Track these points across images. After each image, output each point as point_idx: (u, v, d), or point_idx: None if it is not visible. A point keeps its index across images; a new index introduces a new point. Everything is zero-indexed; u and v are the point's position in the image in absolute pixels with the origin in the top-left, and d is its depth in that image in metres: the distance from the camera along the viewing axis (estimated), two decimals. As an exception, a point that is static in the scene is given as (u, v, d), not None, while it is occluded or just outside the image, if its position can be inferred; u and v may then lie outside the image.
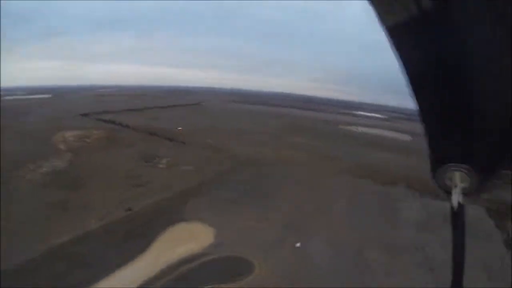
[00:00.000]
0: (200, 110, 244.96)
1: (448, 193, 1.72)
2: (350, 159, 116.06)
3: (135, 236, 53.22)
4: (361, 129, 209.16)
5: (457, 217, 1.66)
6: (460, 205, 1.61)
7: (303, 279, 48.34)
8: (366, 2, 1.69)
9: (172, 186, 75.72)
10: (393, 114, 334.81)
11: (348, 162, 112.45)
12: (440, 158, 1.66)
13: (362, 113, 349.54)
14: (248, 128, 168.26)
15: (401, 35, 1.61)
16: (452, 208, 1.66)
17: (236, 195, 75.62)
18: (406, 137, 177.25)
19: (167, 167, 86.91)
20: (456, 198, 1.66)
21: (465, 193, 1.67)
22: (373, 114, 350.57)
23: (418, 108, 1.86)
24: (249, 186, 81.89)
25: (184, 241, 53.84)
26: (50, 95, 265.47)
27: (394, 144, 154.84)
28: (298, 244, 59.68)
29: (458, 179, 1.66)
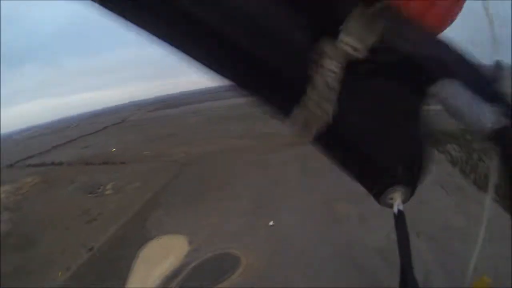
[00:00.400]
0: (128, 126, 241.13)
1: (390, 206, 1.82)
2: (288, 133, 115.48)
3: (109, 275, 50.13)
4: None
5: (399, 221, 1.76)
6: (400, 212, 1.76)
7: (288, 254, 49.81)
8: None
9: (126, 208, 72.50)
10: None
11: (288, 136, 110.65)
12: (376, 192, 1.74)
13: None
14: (177, 131, 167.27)
15: None
16: (394, 215, 1.79)
17: (192, 196, 74.64)
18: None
19: (115, 192, 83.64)
20: (397, 208, 1.78)
21: (403, 201, 1.82)
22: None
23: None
24: (202, 184, 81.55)
25: (162, 258, 51.76)
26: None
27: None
28: (271, 223, 61.31)
29: (397, 195, 1.77)
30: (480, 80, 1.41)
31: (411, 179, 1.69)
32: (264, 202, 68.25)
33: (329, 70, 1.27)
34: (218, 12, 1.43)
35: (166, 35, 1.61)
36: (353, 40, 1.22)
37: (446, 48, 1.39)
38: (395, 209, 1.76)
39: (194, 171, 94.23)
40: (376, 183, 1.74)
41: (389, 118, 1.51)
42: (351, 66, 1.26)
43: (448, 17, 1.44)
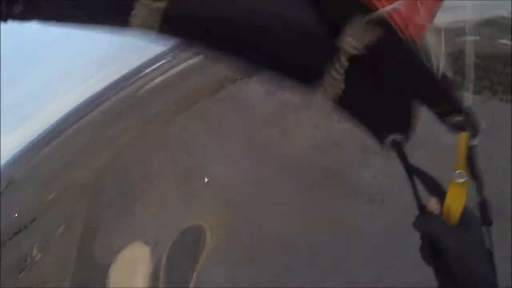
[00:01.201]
0: (19, 185, 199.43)
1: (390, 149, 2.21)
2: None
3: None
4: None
5: (398, 152, 2.16)
6: (396, 143, 2.12)
7: (235, 198, 52.23)
8: None
9: (66, 257, 66.80)
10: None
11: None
12: (380, 139, 2.10)
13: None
14: (66, 159, 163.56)
15: None
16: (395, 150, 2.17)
17: (118, 204, 72.19)
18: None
19: (44, 253, 72.83)
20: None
21: (402, 145, 2.20)
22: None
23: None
24: (120, 190, 78.50)
25: (131, 272, 49.66)
26: None
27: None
28: (206, 180, 61.63)
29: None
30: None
31: (405, 129, 2.13)
32: (194, 169, 68.44)
33: (339, 59, 1.62)
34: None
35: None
36: (352, 40, 1.54)
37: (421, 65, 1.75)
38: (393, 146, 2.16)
39: (108, 184, 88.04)
40: (379, 133, 2.09)
41: (383, 92, 1.91)
42: (353, 57, 1.59)
43: (423, 31, 1.75)
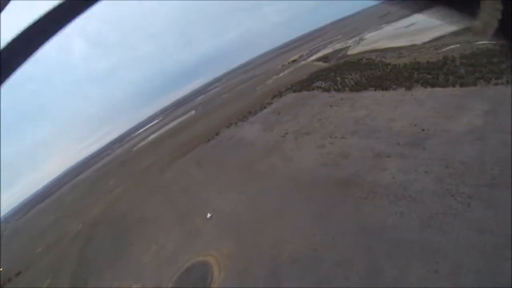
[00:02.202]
0: (5, 241, 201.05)
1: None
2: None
3: None
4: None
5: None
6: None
7: (243, 229, 46.02)
8: None
9: None
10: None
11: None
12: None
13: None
14: (58, 214, 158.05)
15: None
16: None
17: (114, 247, 67.20)
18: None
19: None
20: None
21: None
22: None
23: None
24: (116, 234, 74.37)
25: None
26: None
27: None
28: (208, 215, 56.37)
29: None
30: None
31: None
32: (186, 209, 64.66)
33: None
34: None
35: None
36: None
37: None
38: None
39: (101, 231, 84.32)
40: None
41: None
42: None
43: None
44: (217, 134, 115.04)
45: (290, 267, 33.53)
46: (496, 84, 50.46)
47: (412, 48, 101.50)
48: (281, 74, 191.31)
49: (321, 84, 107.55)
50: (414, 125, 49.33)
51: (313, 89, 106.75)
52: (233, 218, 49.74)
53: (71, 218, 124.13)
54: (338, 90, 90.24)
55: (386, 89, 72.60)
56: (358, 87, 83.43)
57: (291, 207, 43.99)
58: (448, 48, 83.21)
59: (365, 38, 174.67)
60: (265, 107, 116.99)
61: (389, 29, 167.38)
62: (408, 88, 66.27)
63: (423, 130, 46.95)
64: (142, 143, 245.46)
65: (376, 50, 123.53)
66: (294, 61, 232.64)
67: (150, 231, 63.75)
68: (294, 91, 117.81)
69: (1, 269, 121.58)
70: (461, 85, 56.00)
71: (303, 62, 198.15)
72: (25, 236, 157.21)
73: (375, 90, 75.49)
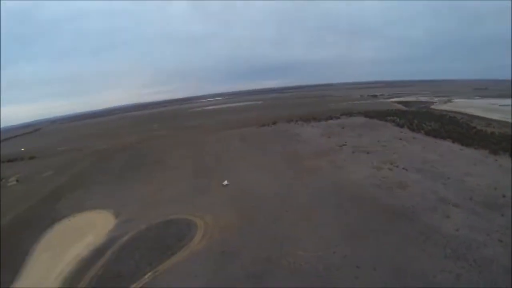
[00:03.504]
0: (42, 133, 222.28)
1: None
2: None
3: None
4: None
5: None
6: None
7: (253, 206, 37.47)
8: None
9: (32, 195, 55.07)
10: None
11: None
12: None
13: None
14: (98, 131, 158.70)
15: None
16: None
17: (122, 174, 61.96)
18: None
19: (19, 183, 65.60)
20: None
21: None
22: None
23: None
24: (132, 164, 69.53)
25: (74, 239, 35.52)
26: None
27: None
28: (225, 182, 48.60)
29: None
30: None
31: None
32: (210, 169, 58.37)
33: None
34: None
35: None
36: None
37: None
38: None
39: (121, 156, 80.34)
40: None
41: None
42: None
43: None
44: (274, 123, 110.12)
45: (282, 278, 24.25)
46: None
47: (503, 123, 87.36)
48: (356, 102, 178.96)
49: (395, 119, 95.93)
50: (494, 188, 40.01)
51: (385, 120, 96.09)
52: (251, 195, 41.57)
53: (103, 138, 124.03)
54: (412, 130, 79.04)
55: (466, 145, 62.30)
56: (434, 133, 72.86)
57: (322, 211, 34.87)
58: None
59: (453, 101, 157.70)
60: (331, 119, 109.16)
61: (482, 101, 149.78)
62: (494, 152, 56.17)
63: (504, 196, 37.71)
64: (199, 109, 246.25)
65: (462, 113, 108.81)
66: (373, 96, 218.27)
67: (162, 174, 57.75)
68: (366, 116, 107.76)
69: (23, 149, 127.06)
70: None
71: (382, 100, 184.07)
72: (58, 136, 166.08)
73: (453, 142, 65.25)
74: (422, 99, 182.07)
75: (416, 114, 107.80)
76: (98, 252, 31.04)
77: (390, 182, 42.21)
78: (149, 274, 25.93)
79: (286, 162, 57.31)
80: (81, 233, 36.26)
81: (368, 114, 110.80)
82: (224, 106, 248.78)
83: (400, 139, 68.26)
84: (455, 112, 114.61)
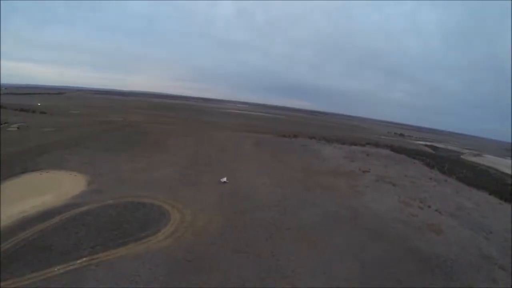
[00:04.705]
0: (64, 97, 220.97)
1: None
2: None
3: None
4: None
5: None
6: None
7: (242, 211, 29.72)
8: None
9: (24, 142, 51.26)
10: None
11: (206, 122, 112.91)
12: None
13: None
14: (113, 105, 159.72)
15: None
16: None
17: (119, 147, 55.02)
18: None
19: (19, 130, 62.51)
20: None
21: None
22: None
23: None
24: (135, 139, 63.58)
25: (31, 194, 29.52)
26: None
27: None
28: (224, 179, 40.57)
29: None
30: None
31: None
32: (210, 162, 50.62)
33: None
34: None
35: None
36: None
37: None
38: None
39: (123, 130, 74.58)
40: None
41: None
42: None
43: None
44: (294, 136, 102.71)
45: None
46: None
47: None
48: (383, 137, 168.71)
49: (424, 159, 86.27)
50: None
51: (414, 158, 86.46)
52: (249, 200, 33.71)
53: (117, 113, 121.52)
54: (443, 173, 69.58)
55: (506, 199, 53.04)
56: (467, 181, 63.54)
57: (331, 239, 26.33)
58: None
59: (483, 156, 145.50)
60: (355, 144, 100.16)
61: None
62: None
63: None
64: (221, 110, 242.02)
65: (493, 168, 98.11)
66: (401, 135, 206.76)
67: (155, 155, 50.90)
68: (392, 150, 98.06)
69: (39, 103, 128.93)
70: None
71: (409, 140, 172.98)
72: (76, 101, 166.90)
73: (489, 194, 55.95)
74: (451, 147, 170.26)
75: (446, 159, 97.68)
76: (44, 215, 24.14)
77: (420, 221, 33.72)
78: (84, 259, 18.51)
79: (299, 173, 49.55)
80: (42, 190, 30.22)
81: (395, 149, 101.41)
82: (246, 112, 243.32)
83: (430, 178, 59.36)
84: (487, 166, 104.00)
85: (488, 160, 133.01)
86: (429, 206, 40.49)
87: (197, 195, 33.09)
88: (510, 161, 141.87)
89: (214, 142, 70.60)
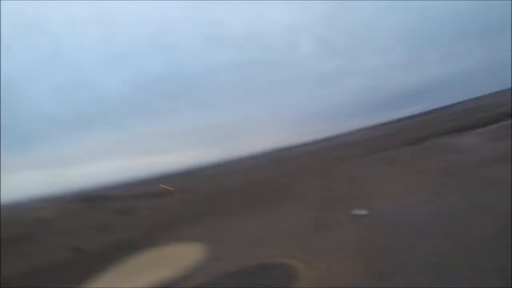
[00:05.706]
0: (186, 176, 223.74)
1: None
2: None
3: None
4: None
5: None
6: None
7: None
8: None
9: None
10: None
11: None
12: None
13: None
14: (236, 170, 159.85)
15: None
16: None
17: (230, 208, 55.48)
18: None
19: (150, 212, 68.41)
20: None
21: None
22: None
23: None
24: (246, 198, 62.75)
25: (150, 268, 30.17)
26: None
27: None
28: (363, 212, 32.79)
29: None
30: None
31: None
32: (333, 197, 44.77)
33: None
34: None
35: None
36: None
37: None
38: None
39: (244, 189, 75.94)
40: None
41: None
42: None
43: None
44: (422, 140, 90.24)
45: None
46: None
47: None
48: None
49: None
50: None
51: None
52: (395, 230, 25.28)
53: (239, 175, 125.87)
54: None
55: None
56: None
57: None
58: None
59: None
60: (492, 123, 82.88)
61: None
62: None
63: None
64: (339, 142, 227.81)
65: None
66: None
67: (278, 205, 47.33)
68: None
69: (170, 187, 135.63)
70: None
71: None
72: (200, 177, 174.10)
73: None
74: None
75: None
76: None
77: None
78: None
79: (446, 177, 39.46)
80: (157, 265, 29.73)
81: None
82: (361, 137, 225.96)
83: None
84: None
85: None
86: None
87: (330, 240, 26.61)
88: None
89: (340, 174, 64.66)
